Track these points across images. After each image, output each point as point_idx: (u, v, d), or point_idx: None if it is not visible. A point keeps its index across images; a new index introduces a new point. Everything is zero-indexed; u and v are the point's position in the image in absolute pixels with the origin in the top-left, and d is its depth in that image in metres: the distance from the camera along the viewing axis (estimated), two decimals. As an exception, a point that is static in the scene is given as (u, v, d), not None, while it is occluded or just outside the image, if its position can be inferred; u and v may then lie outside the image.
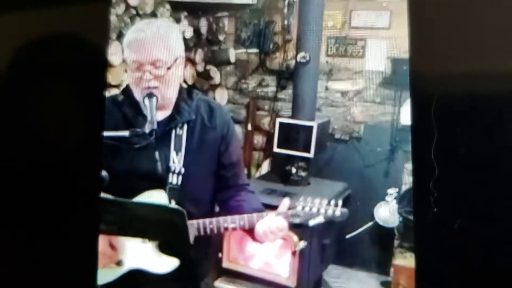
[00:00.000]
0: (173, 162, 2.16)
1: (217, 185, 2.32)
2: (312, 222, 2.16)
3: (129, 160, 2.12)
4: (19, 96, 0.83)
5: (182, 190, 2.17)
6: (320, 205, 2.15)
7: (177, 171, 2.16)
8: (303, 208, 2.15)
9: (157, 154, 2.15)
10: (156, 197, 2.12)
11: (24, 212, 0.85)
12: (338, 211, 2.14)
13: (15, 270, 0.87)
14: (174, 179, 2.16)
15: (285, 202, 2.17)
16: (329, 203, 2.17)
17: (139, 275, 2.16)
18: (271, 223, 2.10)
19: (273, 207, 2.20)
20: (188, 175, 2.17)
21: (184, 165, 2.16)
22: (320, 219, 2.15)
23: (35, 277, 0.88)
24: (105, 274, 2.15)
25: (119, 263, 2.16)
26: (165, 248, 2.16)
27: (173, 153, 2.16)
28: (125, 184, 2.10)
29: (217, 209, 2.43)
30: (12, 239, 0.86)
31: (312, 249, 3.95)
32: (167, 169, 2.16)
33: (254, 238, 2.19)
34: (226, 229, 2.14)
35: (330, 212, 2.13)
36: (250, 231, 2.17)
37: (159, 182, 2.14)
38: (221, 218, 2.12)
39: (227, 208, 2.30)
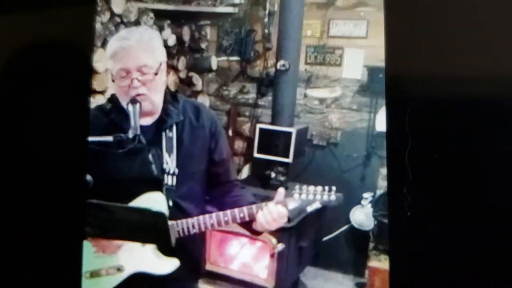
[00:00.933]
0: (167, 163, 2.16)
1: (209, 182, 2.32)
2: (309, 209, 2.20)
3: (122, 165, 2.12)
4: (5, 101, 0.82)
5: (178, 190, 2.18)
6: (315, 191, 2.18)
7: (171, 172, 2.16)
8: (300, 195, 2.17)
9: (150, 156, 2.15)
10: (155, 199, 2.13)
11: (10, 215, 0.84)
12: (333, 195, 2.18)
13: (1, 272, 0.86)
14: (169, 180, 2.16)
15: (281, 191, 2.20)
16: (324, 189, 2.20)
17: (142, 278, 2.15)
18: (272, 211, 2.12)
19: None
20: (182, 175, 2.18)
21: (177, 166, 2.17)
22: (317, 205, 2.18)
23: (22, 278, 0.87)
24: (106, 281, 2.14)
25: (119, 269, 2.15)
26: (165, 249, 2.16)
27: (165, 155, 2.17)
28: (120, 189, 2.10)
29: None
30: (3, 246, 0.86)
31: (289, 251, 3.95)
32: (162, 171, 2.16)
33: (251, 230, 2.21)
34: (226, 222, 2.15)
35: (325, 197, 2.17)
36: (248, 223, 2.19)
37: (155, 184, 2.15)
38: (221, 213, 2.14)
39: (223, 204, 2.30)
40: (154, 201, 2.12)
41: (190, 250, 2.25)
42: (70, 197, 0.88)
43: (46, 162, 0.85)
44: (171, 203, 2.14)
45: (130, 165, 2.14)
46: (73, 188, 0.87)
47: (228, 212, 2.15)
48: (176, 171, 2.17)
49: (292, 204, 2.17)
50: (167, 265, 2.15)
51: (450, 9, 0.89)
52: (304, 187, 2.20)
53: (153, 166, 2.16)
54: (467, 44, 0.85)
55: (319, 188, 2.20)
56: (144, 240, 2.12)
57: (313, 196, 2.18)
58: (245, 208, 2.16)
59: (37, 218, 0.87)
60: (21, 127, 0.84)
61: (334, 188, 2.19)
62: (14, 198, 0.86)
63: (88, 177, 1.91)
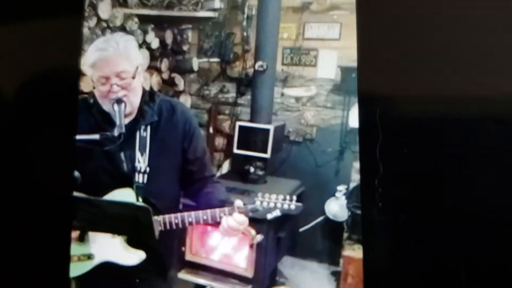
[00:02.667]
0: (138, 162, 2.15)
1: (184, 179, 2.31)
2: (269, 216, 2.18)
3: (98, 161, 2.12)
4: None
5: (148, 187, 2.16)
6: (276, 200, 2.17)
7: (142, 170, 2.15)
8: (261, 203, 2.16)
9: (122, 155, 2.14)
10: (124, 194, 2.12)
11: (1, 210, 0.83)
12: (293, 205, 2.16)
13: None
14: (140, 178, 2.15)
15: (238, 202, 2.18)
16: (285, 198, 2.18)
17: (110, 267, 2.14)
18: (231, 221, 2.11)
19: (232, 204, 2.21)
20: (153, 173, 2.17)
21: (148, 164, 2.16)
22: (277, 213, 2.17)
23: (12, 270, 0.86)
24: (78, 267, 2.13)
25: (90, 257, 2.14)
26: (133, 242, 2.15)
27: (138, 154, 2.16)
28: (95, 183, 2.10)
29: (180, 206, 2.42)
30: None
31: (268, 242, 3.95)
32: (133, 169, 2.15)
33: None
34: (190, 223, 2.14)
35: (286, 206, 2.16)
36: (215, 224, 2.17)
37: (126, 180, 2.14)
38: (185, 214, 2.12)
39: (196, 200, 2.30)
40: (123, 196, 2.12)
41: (160, 242, 2.23)
42: (59, 192, 0.87)
43: (36, 159, 0.84)
44: (140, 200, 2.13)
45: (104, 162, 2.14)
46: (61, 183, 0.87)
47: (193, 213, 2.13)
48: (147, 169, 2.17)
49: (253, 213, 2.16)
50: (133, 257, 2.14)
51: (420, 11, 0.90)
52: (267, 195, 2.19)
53: (124, 165, 2.15)
54: (434, 46, 0.85)
55: (281, 196, 2.20)
56: (128, 232, 2.12)
57: (274, 205, 2.17)
58: (209, 211, 2.14)
59: (27, 213, 0.86)
60: (13, 126, 0.83)
61: (294, 197, 2.19)
62: (5, 193, 0.85)
63: (76, 173, 1.91)
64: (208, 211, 2.14)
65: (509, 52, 0.88)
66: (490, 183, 0.85)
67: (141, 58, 2.20)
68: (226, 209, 2.15)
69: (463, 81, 0.88)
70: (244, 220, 2.15)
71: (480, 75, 0.88)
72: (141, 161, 2.16)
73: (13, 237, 0.89)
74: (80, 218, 1.96)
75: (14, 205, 0.88)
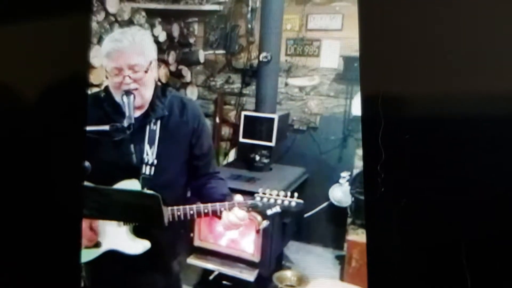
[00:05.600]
0: (147, 154, 2.15)
1: (190, 173, 2.31)
2: (269, 212, 2.15)
3: (108, 152, 2.12)
4: (9, 94, 0.82)
5: (154, 179, 2.16)
6: (277, 197, 2.15)
7: (150, 162, 2.15)
8: (261, 199, 2.14)
9: (132, 147, 2.14)
10: (130, 186, 2.12)
11: (13, 198, 0.84)
12: (293, 202, 2.14)
13: (6, 252, 0.85)
14: (147, 170, 2.15)
15: (238, 198, 2.17)
16: (286, 195, 2.16)
17: (115, 255, 2.15)
18: (232, 216, 2.11)
19: (239, 191, 2.20)
20: (160, 166, 2.17)
21: (156, 157, 2.16)
22: (277, 209, 2.14)
23: (25, 257, 0.86)
24: (85, 254, 2.14)
25: (97, 245, 2.15)
26: (138, 231, 2.17)
27: (146, 146, 2.15)
28: (105, 174, 2.10)
29: (189, 194, 2.42)
30: (3, 223, 0.85)
31: (274, 227, 3.96)
32: (141, 161, 2.15)
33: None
34: (191, 216, 2.14)
35: (286, 203, 2.13)
36: (217, 217, 2.17)
37: (134, 172, 2.14)
38: (187, 207, 2.12)
39: (199, 195, 2.31)
40: (129, 187, 2.12)
41: (164, 232, 2.23)
42: (70, 182, 0.88)
43: (48, 150, 0.84)
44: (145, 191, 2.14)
45: (114, 153, 2.14)
46: (73, 173, 0.87)
47: (194, 207, 2.12)
48: (155, 162, 2.17)
49: (253, 208, 2.14)
50: (138, 246, 2.15)
51: (421, 1, 0.90)
52: (267, 191, 2.16)
53: (134, 156, 2.15)
54: (435, 35, 0.85)
55: (282, 193, 2.16)
56: (138, 220, 2.12)
57: (274, 201, 2.15)
58: (209, 205, 2.13)
59: (39, 202, 0.86)
60: (24, 118, 0.83)
61: (296, 194, 2.16)
62: (18, 182, 0.85)
63: (87, 163, 1.91)
64: (209, 205, 2.14)
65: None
66: (491, 167, 0.85)
67: (155, 53, 2.19)
68: (226, 203, 2.14)
69: (464, 68, 0.88)
70: (245, 215, 2.13)
71: (483, 62, 0.88)
72: (149, 154, 2.16)
73: (24, 225, 0.90)
74: (90, 207, 1.97)
75: (26, 194, 0.89)
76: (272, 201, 2.15)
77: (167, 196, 2.13)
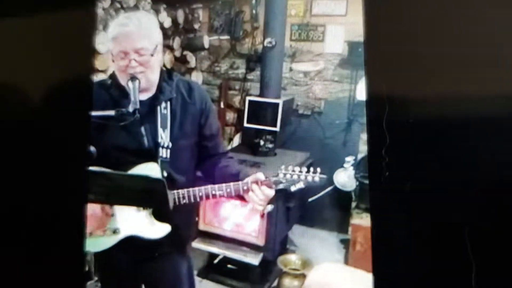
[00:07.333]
0: (161, 138, 2.15)
1: (200, 154, 2.31)
2: (293, 188, 2.13)
3: (119, 137, 2.11)
4: (17, 79, 0.82)
5: (171, 162, 2.16)
6: (300, 173, 2.13)
7: (165, 145, 2.15)
8: (285, 175, 2.13)
9: (143, 129, 2.14)
10: (150, 169, 2.11)
11: (18, 181, 0.84)
12: (317, 177, 2.11)
13: (10, 239, 0.86)
14: (164, 153, 2.15)
15: (259, 175, 2.13)
16: (308, 171, 2.14)
17: (135, 241, 2.15)
18: (259, 194, 2.10)
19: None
20: (175, 148, 2.16)
21: (171, 140, 2.16)
22: (300, 185, 2.13)
23: (27, 246, 0.87)
24: (104, 241, 2.14)
25: (115, 231, 2.15)
26: (158, 215, 2.15)
27: (160, 130, 2.15)
28: (118, 158, 2.10)
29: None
30: (7, 208, 0.85)
31: (278, 211, 3.97)
32: (157, 145, 2.15)
33: (244, 200, 2.17)
34: (214, 196, 2.13)
35: (310, 178, 2.11)
36: (239, 196, 2.17)
37: (149, 155, 2.13)
38: (209, 186, 2.10)
39: (211, 174, 2.30)
40: (149, 171, 2.11)
41: (182, 216, 2.23)
42: (75, 167, 0.88)
43: (52, 134, 0.84)
44: (165, 174, 2.13)
45: (124, 137, 2.13)
46: (78, 158, 0.87)
47: (216, 186, 2.10)
48: (170, 144, 2.16)
49: (277, 185, 2.11)
50: (159, 230, 2.14)
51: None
52: (290, 167, 2.14)
53: (145, 139, 2.15)
54: (441, 20, 0.85)
55: (304, 169, 2.15)
56: (143, 204, 2.12)
57: (298, 177, 2.13)
58: (232, 185, 2.11)
59: (43, 187, 0.87)
60: (30, 102, 0.84)
61: (318, 169, 2.14)
62: (21, 167, 0.85)
63: (92, 148, 1.91)
64: (231, 184, 2.12)
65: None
66: (496, 151, 0.85)
67: (161, 37, 2.18)
68: (248, 180, 2.12)
69: (469, 53, 0.88)
70: (270, 192, 2.11)
71: (493, 53, 0.87)
72: (164, 137, 2.15)
73: (27, 211, 0.90)
74: (97, 192, 1.96)
75: (30, 179, 0.89)
76: (295, 177, 2.14)
77: (184, 178, 2.15)
